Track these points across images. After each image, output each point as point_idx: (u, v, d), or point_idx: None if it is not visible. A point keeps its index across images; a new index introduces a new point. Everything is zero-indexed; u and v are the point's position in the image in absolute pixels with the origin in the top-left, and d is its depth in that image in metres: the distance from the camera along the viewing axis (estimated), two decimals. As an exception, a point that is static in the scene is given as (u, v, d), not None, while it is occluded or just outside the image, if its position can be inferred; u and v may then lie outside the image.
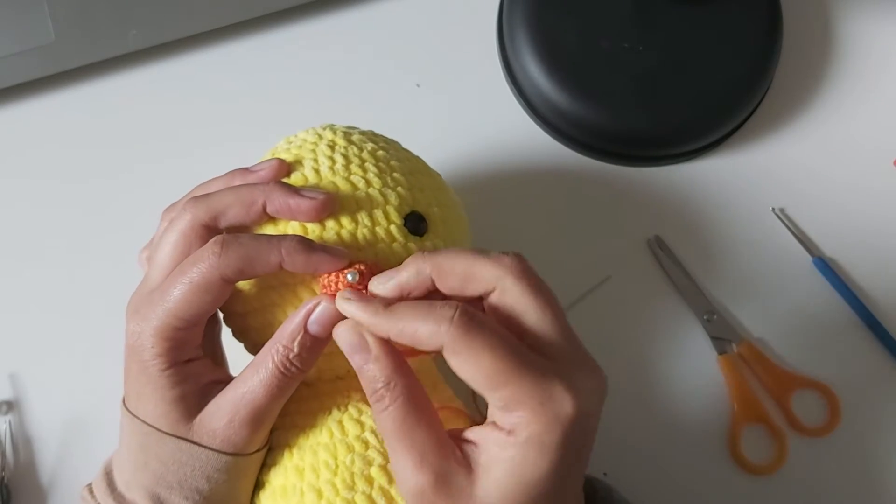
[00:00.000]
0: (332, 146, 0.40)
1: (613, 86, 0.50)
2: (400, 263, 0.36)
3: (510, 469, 0.30)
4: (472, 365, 0.30)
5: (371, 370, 0.32)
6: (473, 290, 0.33)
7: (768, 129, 0.53)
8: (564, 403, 0.30)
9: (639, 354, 0.48)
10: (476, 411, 0.42)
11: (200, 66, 0.53)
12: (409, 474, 0.31)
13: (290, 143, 0.42)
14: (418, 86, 0.53)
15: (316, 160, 0.40)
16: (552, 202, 0.51)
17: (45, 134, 0.52)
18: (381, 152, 0.40)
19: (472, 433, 0.32)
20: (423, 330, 0.31)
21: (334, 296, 0.36)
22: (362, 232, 0.37)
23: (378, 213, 0.38)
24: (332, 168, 0.39)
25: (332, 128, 0.42)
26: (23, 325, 0.49)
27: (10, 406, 0.47)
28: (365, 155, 0.40)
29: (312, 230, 0.37)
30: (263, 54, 0.53)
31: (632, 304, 0.50)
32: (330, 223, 0.37)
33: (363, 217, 0.38)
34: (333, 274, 0.36)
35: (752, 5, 0.52)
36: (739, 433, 0.47)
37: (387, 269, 0.36)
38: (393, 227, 0.38)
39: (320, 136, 0.41)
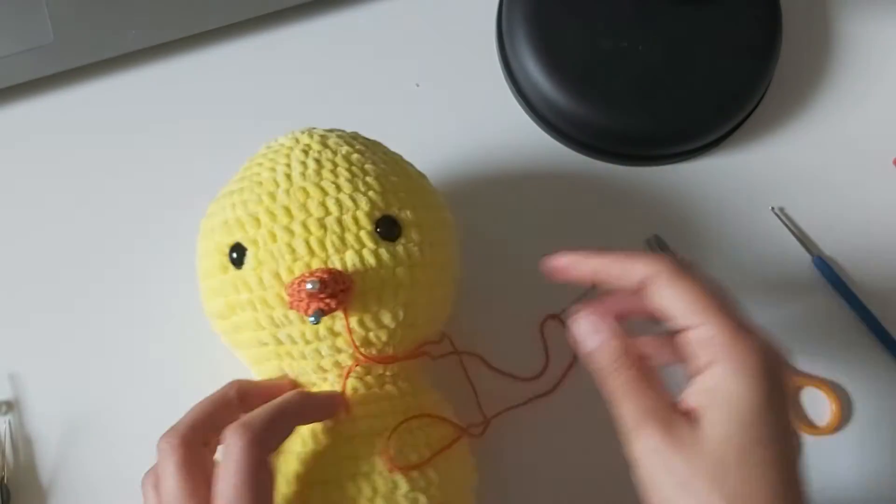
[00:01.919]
0: (306, 151, 0.40)
1: (613, 85, 0.50)
2: (369, 268, 0.37)
3: (723, 405, 0.32)
4: (691, 291, 0.35)
5: (608, 348, 0.36)
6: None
7: (768, 128, 0.53)
8: (756, 336, 0.34)
9: (639, 354, 0.48)
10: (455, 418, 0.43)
11: (200, 66, 0.53)
12: (641, 426, 0.34)
13: (269, 147, 0.42)
14: (418, 85, 0.53)
15: (289, 165, 0.39)
16: (551, 201, 0.51)
17: (44, 134, 0.52)
18: (355, 155, 0.40)
19: (686, 400, 0.34)
20: (640, 262, 0.36)
21: (302, 306, 0.36)
22: (331, 238, 0.37)
23: (347, 219, 0.38)
24: (303, 173, 0.39)
25: (312, 131, 0.42)
26: (23, 325, 0.49)
27: (9, 406, 0.47)
28: (338, 159, 0.39)
29: (281, 238, 0.37)
30: (263, 54, 0.53)
31: (631, 303, 0.50)
32: (298, 230, 0.37)
33: (332, 223, 0.37)
34: (296, 284, 0.36)
35: (752, 4, 0.52)
36: (739, 433, 0.47)
37: (354, 276, 0.37)
38: (363, 233, 0.38)
39: (297, 141, 0.41)
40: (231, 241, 0.39)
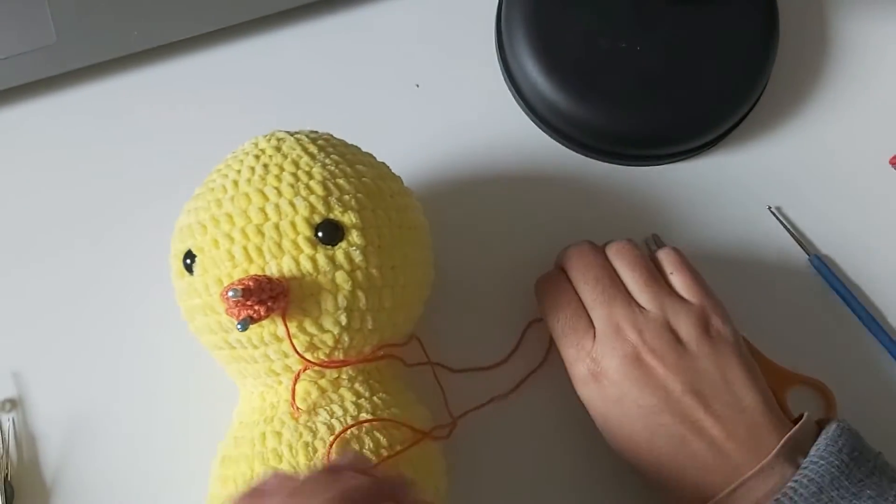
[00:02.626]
0: (258, 156, 0.40)
1: (611, 85, 0.51)
2: (306, 274, 0.37)
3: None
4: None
5: None
6: None
7: (765, 127, 0.53)
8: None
9: (636, 352, 0.48)
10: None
11: (203, 67, 0.53)
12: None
13: (233, 153, 0.42)
14: (417, 86, 0.53)
15: (239, 171, 0.40)
16: (550, 202, 0.52)
17: (46, 135, 0.52)
18: (304, 159, 0.40)
19: None
20: None
21: (233, 314, 0.36)
22: (268, 244, 0.37)
23: (285, 225, 0.38)
24: (249, 179, 0.39)
25: (271, 136, 0.42)
26: (26, 322, 0.49)
27: (13, 404, 0.48)
28: (286, 163, 0.39)
29: (222, 244, 0.38)
30: (265, 55, 0.54)
31: (630, 302, 0.50)
32: (238, 237, 0.38)
33: (270, 229, 0.37)
34: (224, 292, 0.36)
35: (749, 5, 0.52)
36: (736, 430, 0.47)
37: (291, 282, 0.37)
38: (300, 238, 0.37)
39: (255, 146, 0.41)
40: (184, 247, 0.40)
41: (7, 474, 0.46)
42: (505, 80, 0.53)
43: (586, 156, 0.52)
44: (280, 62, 0.54)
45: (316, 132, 0.43)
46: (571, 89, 0.50)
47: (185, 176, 0.50)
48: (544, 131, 0.53)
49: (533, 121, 0.53)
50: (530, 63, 0.51)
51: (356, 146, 0.43)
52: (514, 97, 0.53)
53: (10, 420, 0.47)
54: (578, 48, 0.51)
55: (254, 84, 0.53)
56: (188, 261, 0.39)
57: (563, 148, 0.52)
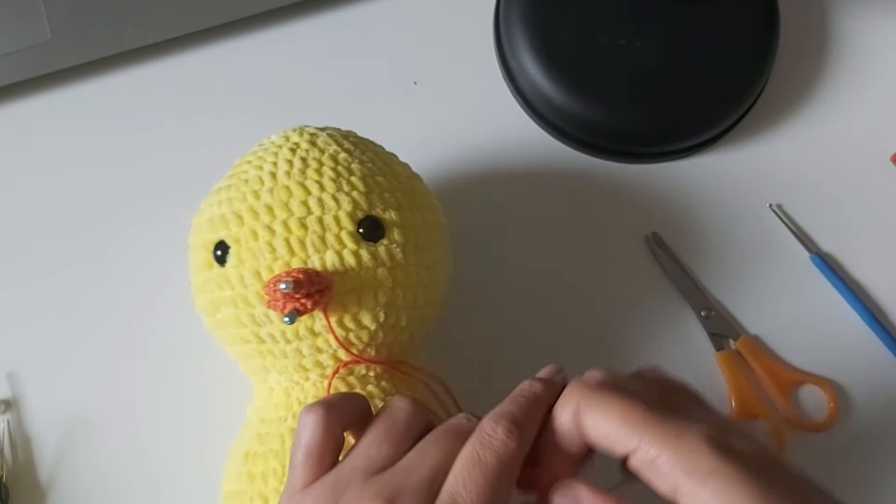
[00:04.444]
0: (293, 149, 0.40)
1: (611, 82, 0.50)
2: (349, 269, 0.37)
3: None
4: (611, 412, 0.30)
5: None
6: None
7: (765, 125, 0.53)
8: (693, 432, 0.29)
9: (636, 351, 0.48)
10: None
11: (197, 65, 0.53)
12: None
13: (261, 145, 0.42)
14: (415, 83, 0.53)
15: (275, 164, 0.39)
16: (549, 199, 0.51)
17: (41, 133, 0.52)
18: (342, 155, 0.40)
19: None
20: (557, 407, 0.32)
21: (279, 306, 0.36)
22: (311, 238, 0.37)
23: (328, 219, 0.37)
24: (288, 172, 0.39)
25: (303, 130, 0.41)
26: (21, 323, 0.49)
27: (8, 405, 0.47)
28: (325, 158, 0.39)
29: (262, 236, 0.37)
30: (261, 52, 0.53)
31: (629, 301, 0.50)
32: (279, 229, 0.37)
33: (313, 223, 0.37)
34: (271, 283, 0.36)
35: (749, 1, 0.52)
36: (738, 429, 0.47)
37: (334, 276, 0.37)
38: (343, 233, 0.37)
39: (287, 139, 0.41)
40: (215, 238, 0.39)
41: (2, 475, 0.46)
42: (503, 77, 0.53)
43: (585, 153, 0.52)
44: (276, 59, 0.53)
45: (338, 128, 0.43)
46: (571, 86, 0.50)
47: (181, 173, 0.50)
48: (543, 129, 0.52)
49: (532, 118, 0.53)
50: (529, 60, 0.51)
51: (380, 145, 0.43)
52: (513, 94, 0.53)
53: (5, 421, 0.47)
54: (577, 45, 0.51)
55: (250, 81, 0.53)
56: (219, 252, 0.39)
57: (562, 145, 0.52)
